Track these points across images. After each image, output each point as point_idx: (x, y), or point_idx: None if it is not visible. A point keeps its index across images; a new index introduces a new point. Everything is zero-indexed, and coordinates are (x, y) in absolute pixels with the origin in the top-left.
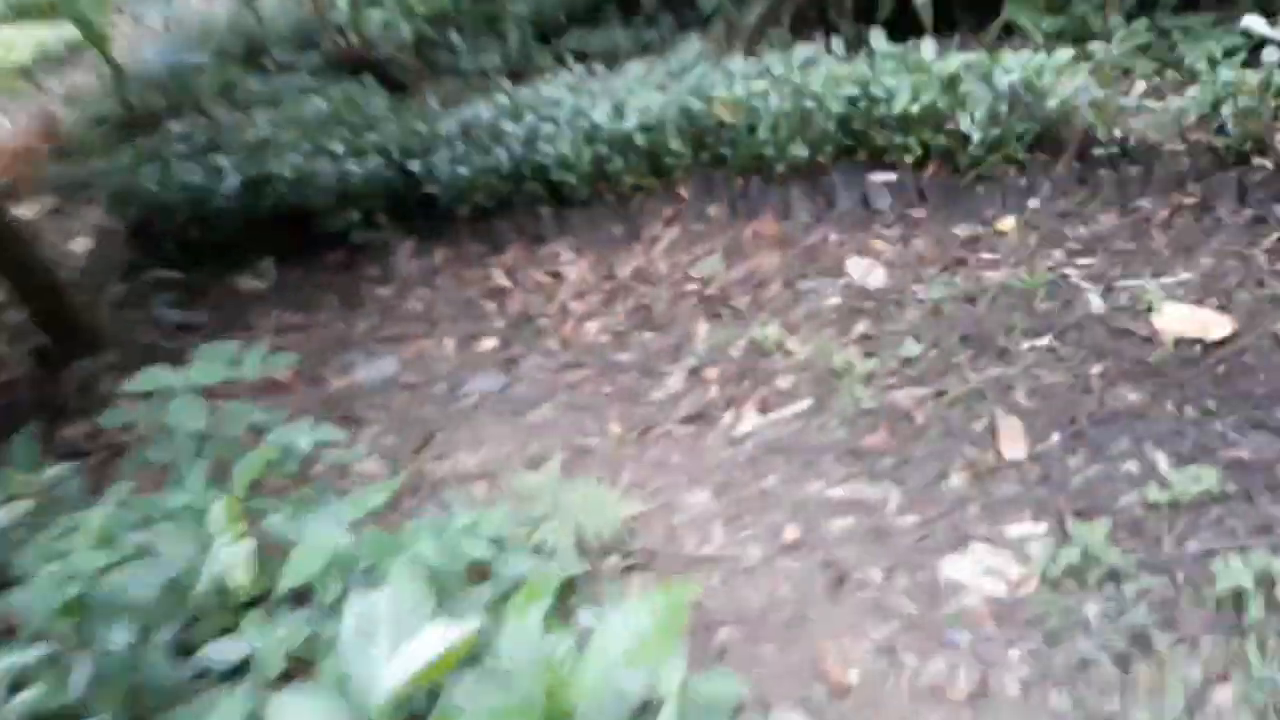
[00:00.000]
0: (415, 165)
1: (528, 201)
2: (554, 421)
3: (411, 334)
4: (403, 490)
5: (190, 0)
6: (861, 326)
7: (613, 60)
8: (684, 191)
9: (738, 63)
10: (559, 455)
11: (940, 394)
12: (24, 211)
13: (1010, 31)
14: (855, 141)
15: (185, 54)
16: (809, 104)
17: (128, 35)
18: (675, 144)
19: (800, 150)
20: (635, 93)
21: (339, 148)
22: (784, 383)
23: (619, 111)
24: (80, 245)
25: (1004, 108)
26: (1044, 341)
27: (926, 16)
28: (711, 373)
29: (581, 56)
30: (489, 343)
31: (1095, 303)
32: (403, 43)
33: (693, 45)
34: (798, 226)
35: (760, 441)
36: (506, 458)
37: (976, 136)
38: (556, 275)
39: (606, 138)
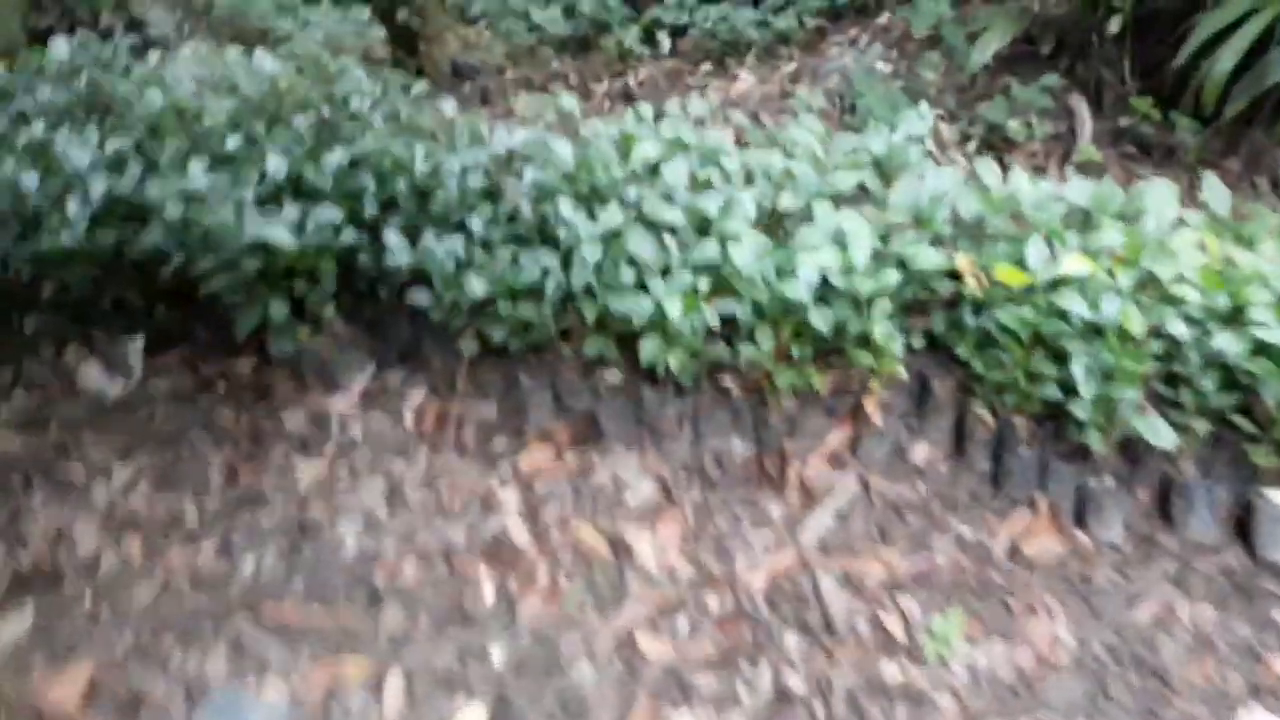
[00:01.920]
0: (393, 238)
1: (580, 363)
2: None
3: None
4: None
5: None
6: None
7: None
8: (872, 408)
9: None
10: None
11: None
12: None
13: None
14: None
15: None
16: None
17: None
18: (884, 329)
19: None
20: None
21: (260, 175)
22: None
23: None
24: None
25: None
26: None
27: None
28: None
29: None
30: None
31: None
32: None
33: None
34: None
35: None
36: None
37: None
38: (622, 547)
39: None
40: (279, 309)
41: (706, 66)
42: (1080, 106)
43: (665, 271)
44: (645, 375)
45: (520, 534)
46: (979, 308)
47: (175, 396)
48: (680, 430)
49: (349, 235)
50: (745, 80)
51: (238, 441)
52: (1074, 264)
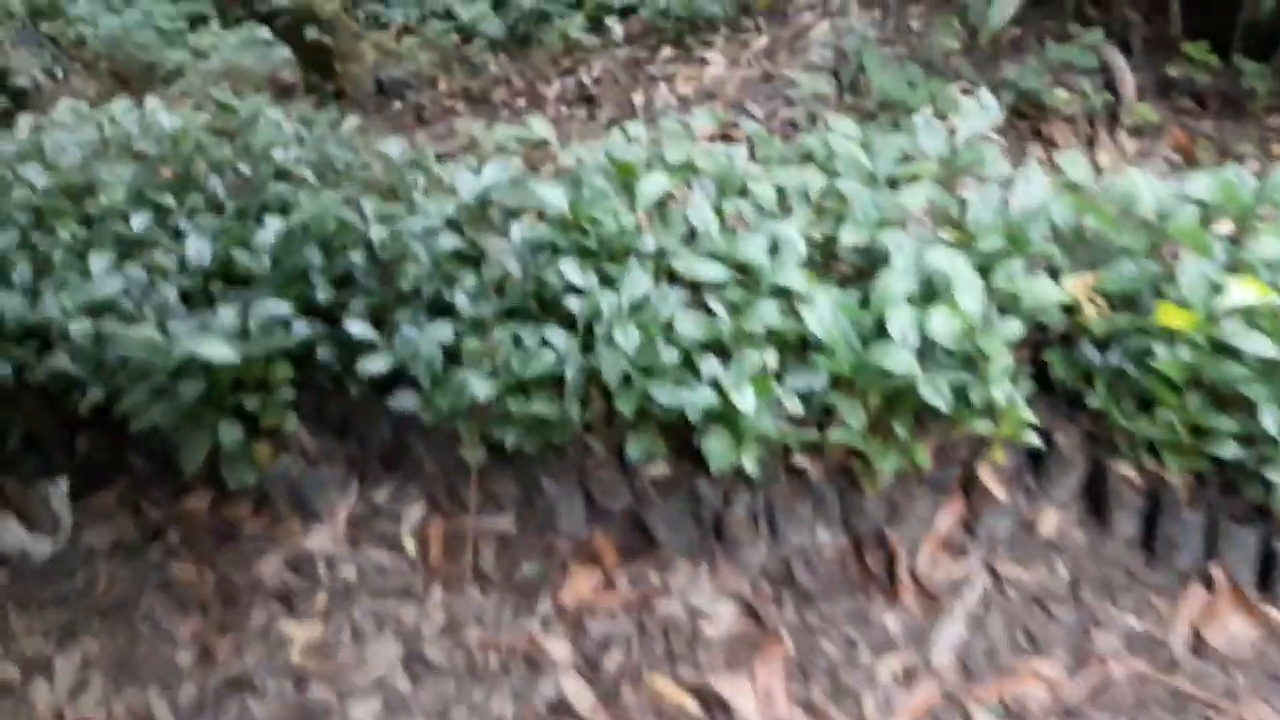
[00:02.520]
0: (357, 327)
1: (614, 454)
2: None
3: None
4: None
5: None
6: None
7: None
8: (989, 478)
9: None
10: None
11: None
12: None
13: None
14: None
15: None
16: None
17: None
18: (1005, 390)
19: None
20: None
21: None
22: None
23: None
24: None
25: None
26: None
27: None
28: None
29: None
30: None
31: None
32: None
33: None
34: None
35: None
36: None
37: None
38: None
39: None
40: (230, 432)
41: (667, 51)
42: (1116, 59)
43: (717, 346)
44: (697, 461)
45: (583, 698)
46: (1105, 343)
47: (119, 551)
48: (754, 530)
49: (301, 328)
50: (716, 63)
51: (206, 606)
52: (1244, 292)
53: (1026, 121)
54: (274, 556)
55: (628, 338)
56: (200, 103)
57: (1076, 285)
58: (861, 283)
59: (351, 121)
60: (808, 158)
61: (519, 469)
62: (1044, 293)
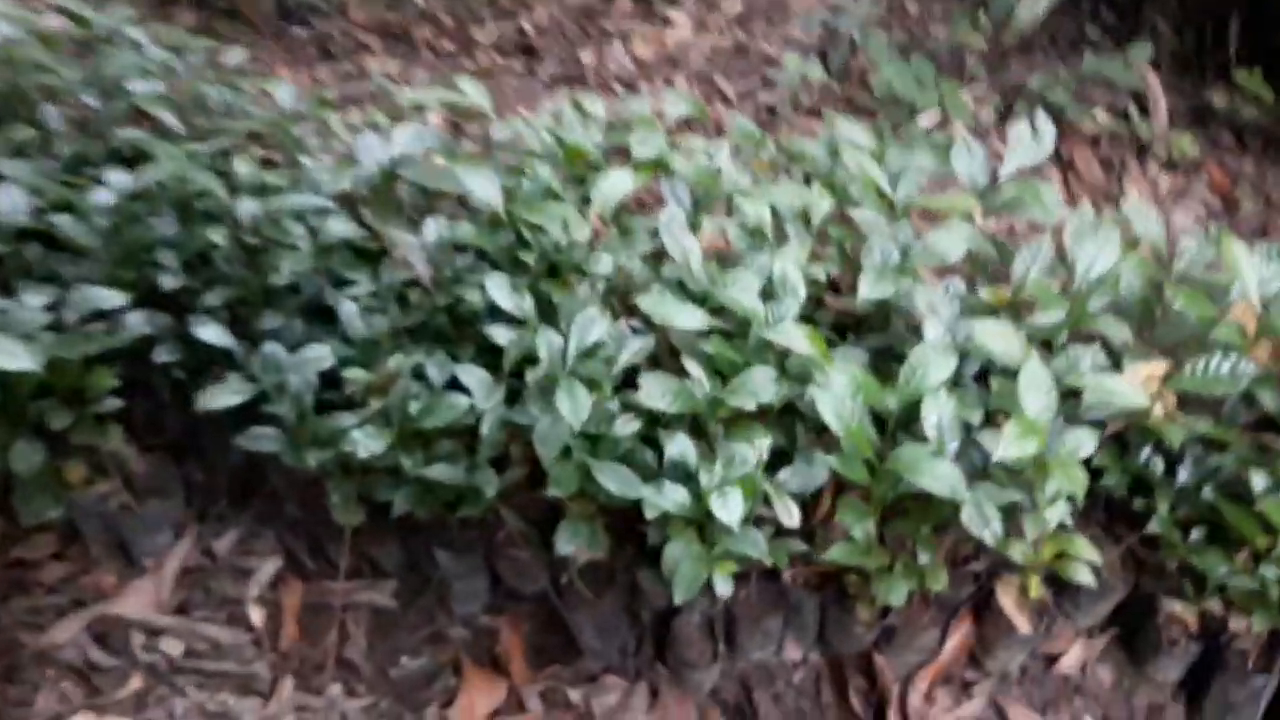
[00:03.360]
0: (210, 331)
1: (528, 551)
2: None
3: None
4: None
5: None
6: None
7: None
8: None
9: None
10: None
11: None
12: None
13: None
14: None
15: None
16: None
17: None
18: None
19: None
20: None
21: None
22: None
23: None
24: None
25: None
26: None
27: None
28: None
29: None
30: None
31: None
32: None
33: None
34: None
35: None
36: None
37: None
38: None
39: None
40: (26, 455)
41: (625, 4)
42: (1151, 78)
43: (691, 422)
44: (640, 546)
45: None
46: (1174, 453)
47: None
48: (708, 640)
49: (136, 322)
50: (681, 25)
51: None
52: None
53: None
54: (75, 619)
55: (574, 401)
56: (41, 8)
57: (1141, 375)
58: (862, 337)
59: (237, 53)
60: (800, 164)
61: (406, 529)
62: (1119, 395)
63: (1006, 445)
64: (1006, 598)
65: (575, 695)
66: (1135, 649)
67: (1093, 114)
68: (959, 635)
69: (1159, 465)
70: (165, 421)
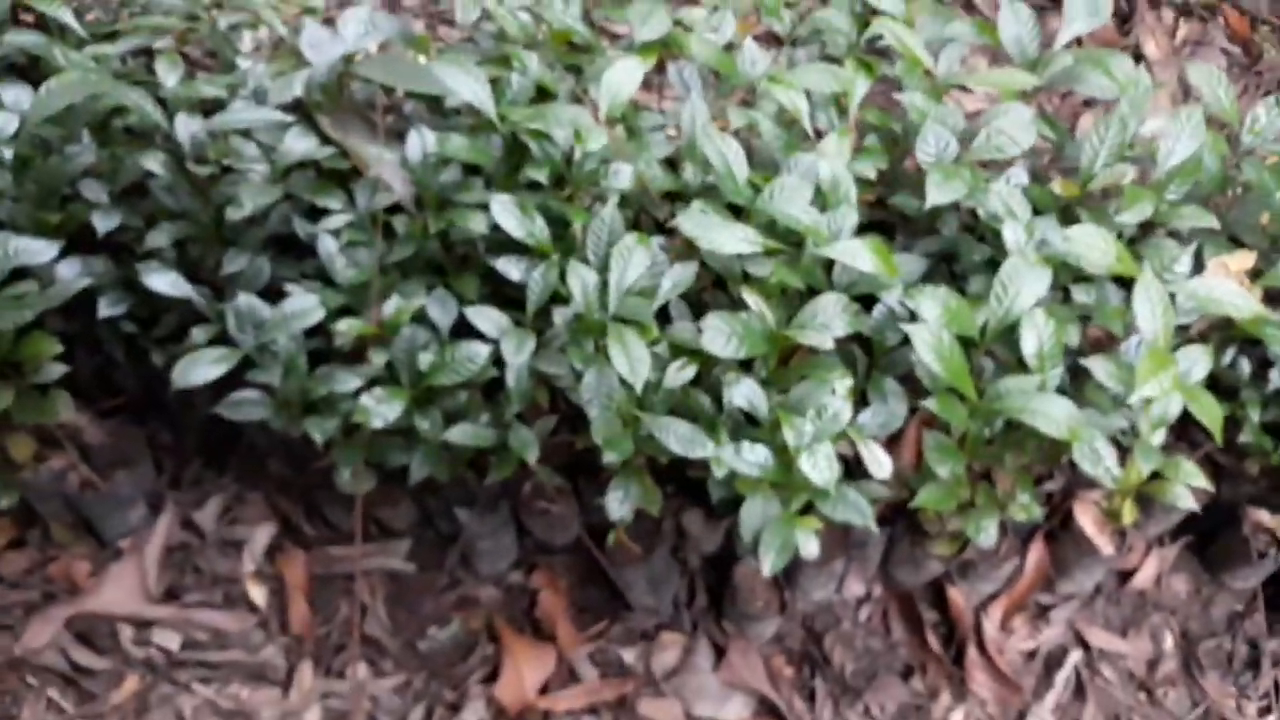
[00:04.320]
0: (160, 279)
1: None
2: None
3: None
4: None
5: None
6: None
7: None
8: (1087, 519)
9: None
10: None
11: None
12: None
13: None
14: None
15: None
16: None
17: None
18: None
19: None
20: None
21: None
22: None
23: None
24: None
25: None
26: None
27: None
28: None
29: None
30: None
31: None
32: None
33: None
34: None
35: None
36: None
37: None
38: None
39: None
40: None
41: None
42: None
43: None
44: (684, 488)
45: None
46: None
47: None
48: (769, 589)
49: (70, 272)
50: None
51: None
52: None
53: None
54: (51, 617)
55: (628, 354)
56: None
57: (1224, 267)
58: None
59: None
60: (818, 40)
61: (419, 487)
62: (1225, 302)
63: (1144, 385)
64: (1085, 518)
65: (630, 656)
66: (1212, 558)
67: None
68: (1034, 559)
69: (1245, 367)
70: (116, 379)
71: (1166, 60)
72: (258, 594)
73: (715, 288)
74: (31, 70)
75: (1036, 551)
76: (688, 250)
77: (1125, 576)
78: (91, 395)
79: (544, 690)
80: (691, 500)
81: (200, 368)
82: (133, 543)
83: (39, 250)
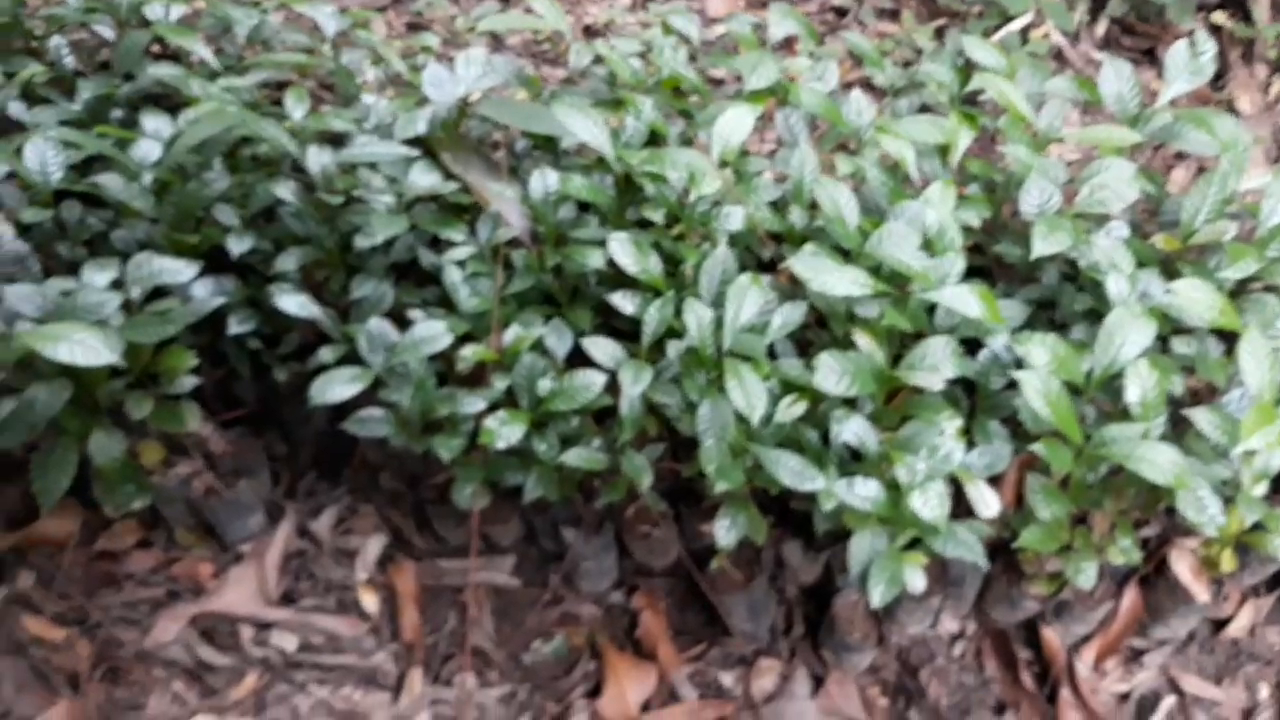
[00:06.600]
0: (290, 300)
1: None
2: None
3: None
4: None
5: None
6: None
7: None
8: (1182, 566)
9: None
10: None
11: None
12: None
13: None
14: None
15: None
16: None
17: None
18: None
19: None
20: None
21: None
22: None
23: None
24: None
25: None
26: None
27: None
28: None
29: None
30: None
31: None
32: None
33: None
34: None
35: None
36: None
37: None
38: None
39: None
40: (106, 446)
41: None
42: None
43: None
44: (784, 519)
45: None
46: None
47: None
48: (867, 620)
49: (205, 291)
50: None
51: (79, 681)
52: None
53: (1133, 37)
54: (177, 615)
55: (745, 390)
56: None
57: None
58: (1013, 287)
59: None
60: (917, 90)
61: (529, 506)
62: None
63: (1250, 438)
64: (1181, 565)
65: (729, 679)
66: None
67: (1193, 12)
68: (1128, 603)
69: None
70: (237, 392)
71: (1260, 116)
72: (369, 602)
73: (818, 326)
74: (163, 99)
75: (1131, 596)
76: (793, 289)
77: (1219, 625)
78: (213, 407)
79: (645, 708)
80: (792, 531)
81: (335, 386)
82: (253, 547)
83: (179, 270)
